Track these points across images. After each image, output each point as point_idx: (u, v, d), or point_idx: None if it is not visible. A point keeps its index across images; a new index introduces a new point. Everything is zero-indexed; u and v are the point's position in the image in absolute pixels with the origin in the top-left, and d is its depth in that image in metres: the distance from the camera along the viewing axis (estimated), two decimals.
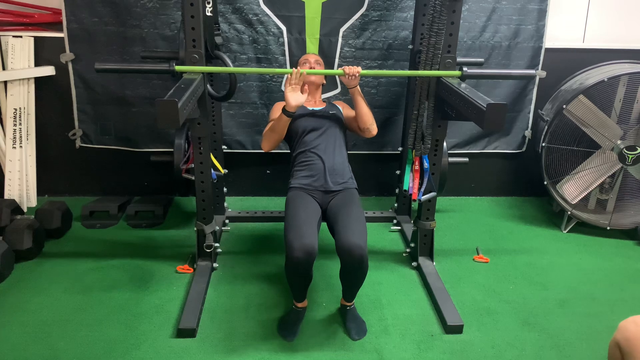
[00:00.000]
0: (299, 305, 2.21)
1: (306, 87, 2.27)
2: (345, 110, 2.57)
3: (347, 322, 2.17)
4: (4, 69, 2.95)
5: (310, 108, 2.49)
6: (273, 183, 3.44)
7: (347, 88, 2.38)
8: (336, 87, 3.21)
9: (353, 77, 2.28)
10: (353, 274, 2.07)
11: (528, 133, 3.40)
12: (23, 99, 3.02)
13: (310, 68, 2.50)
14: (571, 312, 2.35)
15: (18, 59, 2.95)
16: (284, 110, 2.26)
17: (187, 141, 2.79)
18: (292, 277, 2.08)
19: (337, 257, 2.02)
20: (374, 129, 2.43)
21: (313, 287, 2.42)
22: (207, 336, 2.11)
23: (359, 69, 2.28)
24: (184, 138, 2.77)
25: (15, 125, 3.01)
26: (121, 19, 2.95)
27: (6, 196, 3.06)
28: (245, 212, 3.15)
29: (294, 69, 2.23)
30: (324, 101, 2.61)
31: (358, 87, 2.36)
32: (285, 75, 3.08)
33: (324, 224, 2.26)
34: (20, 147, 3.06)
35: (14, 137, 3.02)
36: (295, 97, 2.23)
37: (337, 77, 3.16)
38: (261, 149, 3.24)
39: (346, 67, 2.29)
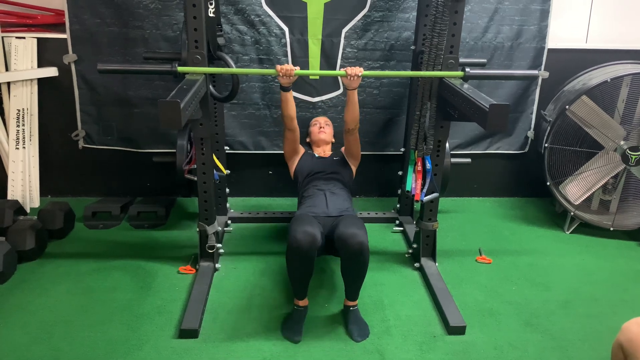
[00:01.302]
0: (300, 303, 2.21)
1: (297, 67, 2.39)
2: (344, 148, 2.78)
3: (350, 324, 2.17)
4: (7, 70, 2.95)
5: (318, 155, 2.78)
6: (275, 184, 3.44)
7: (347, 89, 2.42)
8: (338, 89, 3.20)
9: (355, 77, 2.30)
10: (354, 264, 2.08)
11: (531, 134, 3.40)
12: (26, 100, 3.03)
13: (320, 127, 2.84)
14: (574, 313, 2.35)
15: (21, 60, 2.96)
16: (280, 87, 2.47)
17: (190, 142, 2.79)
18: (293, 264, 2.10)
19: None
20: (356, 127, 2.61)
21: (315, 287, 2.42)
22: (209, 337, 2.11)
23: (361, 69, 2.30)
24: (187, 139, 2.77)
25: (18, 126, 3.01)
26: (123, 20, 2.95)
27: (9, 197, 3.06)
28: (247, 212, 3.15)
29: (283, 66, 2.33)
30: (331, 151, 2.87)
31: (356, 90, 2.44)
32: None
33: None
34: (23, 148, 3.06)
35: (17, 138, 3.03)
36: (286, 80, 2.41)
37: (339, 79, 3.16)
38: (263, 150, 3.29)
39: (348, 68, 2.30)
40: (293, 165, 2.75)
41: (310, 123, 2.96)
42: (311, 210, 2.41)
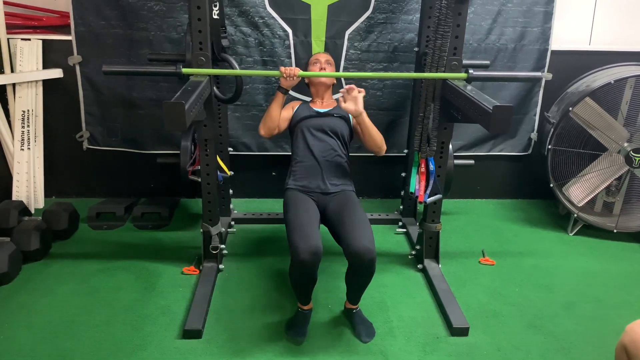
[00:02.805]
0: (305, 307, 2.20)
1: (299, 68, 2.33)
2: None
3: (356, 325, 2.17)
4: (12, 71, 2.97)
5: (316, 109, 2.51)
6: (278, 185, 3.41)
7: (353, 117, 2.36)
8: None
9: (351, 97, 2.25)
10: (362, 277, 2.07)
11: (534, 135, 3.40)
12: (31, 101, 3.04)
13: (321, 69, 2.52)
14: (577, 314, 2.34)
15: (26, 62, 2.97)
16: (278, 87, 2.37)
17: (194, 143, 2.81)
18: (297, 280, 2.07)
19: (341, 258, 2.03)
20: (383, 150, 2.42)
21: (318, 288, 2.41)
22: (213, 337, 2.11)
23: (362, 91, 2.26)
24: (190, 140, 2.78)
25: (23, 127, 3.03)
26: (128, 21, 2.97)
27: (14, 197, 3.08)
28: (250, 214, 3.16)
29: (287, 68, 2.31)
30: (335, 100, 2.59)
31: (364, 113, 2.30)
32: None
33: (323, 228, 2.25)
34: (28, 149, 3.08)
35: (22, 139, 3.04)
36: (289, 82, 2.34)
37: (342, 79, 3.15)
38: (267, 152, 3.30)
39: (346, 86, 2.26)
40: (285, 123, 2.51)
41: (310, 61, 2.61)
42: (304, 186, 2.32)
